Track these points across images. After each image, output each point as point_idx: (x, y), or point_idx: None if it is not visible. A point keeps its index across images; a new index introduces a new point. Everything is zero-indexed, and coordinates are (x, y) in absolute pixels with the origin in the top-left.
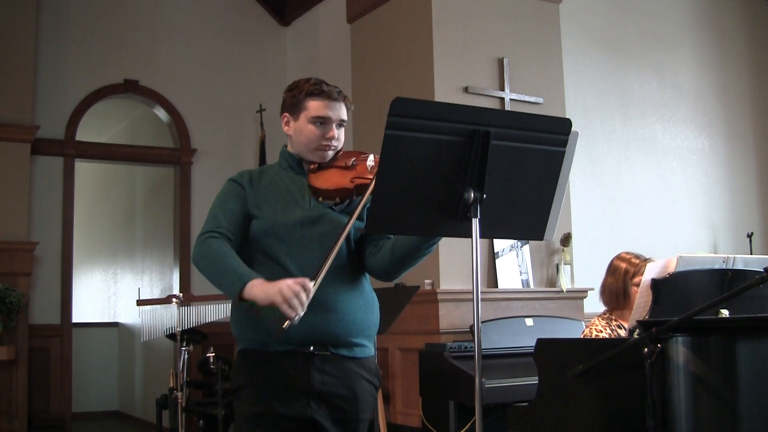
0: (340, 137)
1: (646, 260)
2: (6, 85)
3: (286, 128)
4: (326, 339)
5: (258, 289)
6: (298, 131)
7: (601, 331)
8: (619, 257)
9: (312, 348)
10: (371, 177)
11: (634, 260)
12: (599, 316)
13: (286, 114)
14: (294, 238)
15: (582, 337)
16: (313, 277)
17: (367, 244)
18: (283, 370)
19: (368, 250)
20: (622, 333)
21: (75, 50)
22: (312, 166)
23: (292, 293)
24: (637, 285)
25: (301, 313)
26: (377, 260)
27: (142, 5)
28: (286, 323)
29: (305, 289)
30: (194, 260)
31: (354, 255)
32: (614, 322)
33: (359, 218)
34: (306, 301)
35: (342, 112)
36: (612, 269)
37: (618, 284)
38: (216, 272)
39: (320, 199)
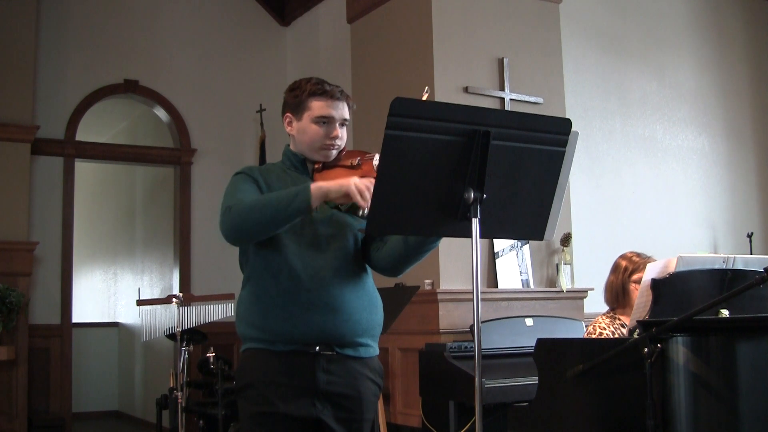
0: (343, 136)
1: (647, 259)
2: (6, 85)
3: (288, 128)
4: (331, 339)
5: (327, 184)
6: (301, 131)
7: (605, 329)
8: (622, 255)
9: (317, 348)
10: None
11: (635, 258)
12: (604, 314)
13: (288, 114)
14: (301, 239)
15: (586, 334)
16: None
17: (371, 240)
18: (288, 370)
19: (373, 246)
20: (625, 332)
21: (75, 50)
22: (317, 166)
23: (364, 186)
24: (636, 282)
25: (367, 208)
26: (382, 256)
27: (142, 5)
28: (360, 212)
29: (369, 189)
30: (232, 228)
31: (359, 255)
32: (617, 321)
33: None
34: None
35: (344, 111)
36: (614, 267)
37: (618, 282)
38: (267, 211)
39: None
